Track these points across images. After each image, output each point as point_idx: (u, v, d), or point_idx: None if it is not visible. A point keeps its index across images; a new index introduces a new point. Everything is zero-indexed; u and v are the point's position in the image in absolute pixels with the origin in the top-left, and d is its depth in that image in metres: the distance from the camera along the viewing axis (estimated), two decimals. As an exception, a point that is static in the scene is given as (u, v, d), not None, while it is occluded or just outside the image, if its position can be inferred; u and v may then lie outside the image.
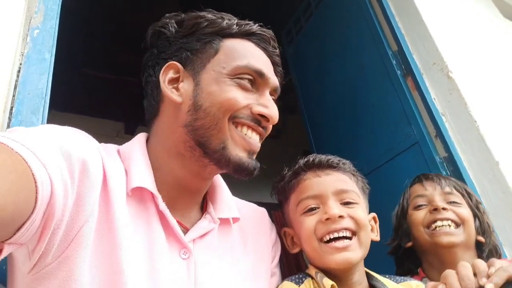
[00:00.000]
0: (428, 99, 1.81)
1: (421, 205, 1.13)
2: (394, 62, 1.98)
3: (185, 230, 0.78)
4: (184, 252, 0.74)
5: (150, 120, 0.87)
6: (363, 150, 2.13)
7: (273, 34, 0.89)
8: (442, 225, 1.07)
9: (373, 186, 1.94)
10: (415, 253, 1.16)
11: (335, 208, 0.91)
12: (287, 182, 1.03)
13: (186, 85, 0.81)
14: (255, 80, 0.82)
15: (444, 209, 1.07)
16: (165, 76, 0.82)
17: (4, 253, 0.50)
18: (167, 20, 0.86)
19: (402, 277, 0.99)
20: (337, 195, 0.95)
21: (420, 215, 1.12)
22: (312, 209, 0.94)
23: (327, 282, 0.85)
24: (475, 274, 0.76)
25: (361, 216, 0.93)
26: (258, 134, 0.83)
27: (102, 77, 3.88)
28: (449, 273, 0.77)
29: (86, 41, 3.29)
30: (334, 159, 1.02)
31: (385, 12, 2.11)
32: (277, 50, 0.90)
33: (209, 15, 0.84)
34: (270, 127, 0.86)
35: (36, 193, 0.50)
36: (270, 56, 0.88)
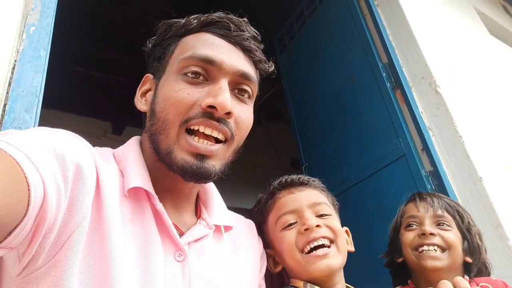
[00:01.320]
0: (416, 113, 1.84)
1: (412, 225, 1.18)
2: (384, 74, 2.01)
3: (180, 234, 0.78)
4: (179, 254, 0.74)
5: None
6: (351, 160, 2.15)
7: (238, 20, 0.80)
8: (428, 250, 1.11)
9: (359, 196, 1.96)
10: (407, 267, 1.21)
11: (312, 218, 0.97)
12: (263, 204, 1.09)
13: (151, 93, 0.82)
14: (207, 69, 0.75)
15: (432, 234, 1.12)
16: (141, 89, 0.85)
17: None
18: (150, 39, 0.88)
19: None
20: (312, 208, 1.01)
21: (409, 237, 1.16)
22: (290, 225, 0.99)
23: None
24: None
25: (336, 225, 1.00)
26: (214, 129, 0.73)
27: (91, 76, 3.84)
28: None
29: (77, 39, 3.26)
30: (304, 177, 1.10)
31: (376, 24, 2.15)
32: (246, 33, 0.80)
33: (176, 19, 0.82)
34: (240, 126, 0.78)
35: (29, 196, 0.49)
36: (236, 42, 0.79)
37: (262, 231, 1.08)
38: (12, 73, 0.98)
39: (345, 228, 1.09)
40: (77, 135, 0.72)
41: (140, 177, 0.74)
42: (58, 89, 3.63)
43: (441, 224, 1.14)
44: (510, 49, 3.02)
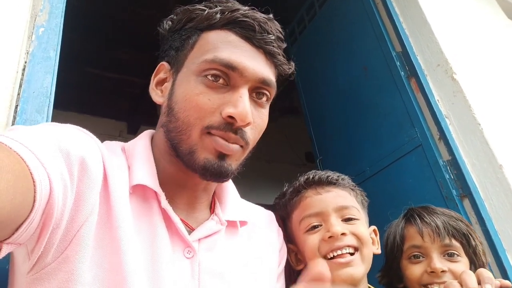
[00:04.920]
0: (432, 101, 1.80)
1: (417, 256, 1.10)
2: (398, 63, 1.97)
3: (190, 230, 0.77)
4: (188, 251, 0.73)
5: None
6: (366, 152, 2.12)
7: (264, 19, 0.77)
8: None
9: (376, 188, 1.94)
10: None
11: (337, 225, 0.94)
12: (288, 200, 1.05)
13: (168, 85, 0.80)
14: (228, 74, 0.73)
15: (443, 271, 1.04)
16: (155, 77, 0.83)
17: (3, 253, 0.49)
18: (167, 18, 0.84)
19: None
20: (338, 212, 0.97)
21: (416, 272, 1.08)
22: (314, 227, 0.97)
23: None
24: (479, 282, 0.77)
25: (363, 232, 0.96)
26: (232, 140, 0.72)
27: (105, 76, 3.88)
28: (453, 284, 0.79)
29: (89, 39, 3.30)
30: (333, 175, 1.04)
31: (389, 12, 2.11)
32: (271, 36, 0.76)
33: (198, 7, 0.78)
34: (254, 131, 0.77)
35: (35, 192, 0.49)
36: (259, 46, 0.76)
37: (285, 225, 1.06)
38: (23, 74, 0.99)
39: (373, 227, 1.06)
40: (84, 130, 0.72)
41: (145, 174, 0.73)
42: (74, 91, 3.69)
43: (450, 254, 1.07)
44: (528, 32, 2.93)
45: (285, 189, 1.09)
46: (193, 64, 0.74)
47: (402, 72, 1.94)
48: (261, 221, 0.96)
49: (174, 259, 0.71)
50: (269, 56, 0.78)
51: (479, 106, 1.75)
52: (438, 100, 1.83)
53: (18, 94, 0.96)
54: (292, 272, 1.03)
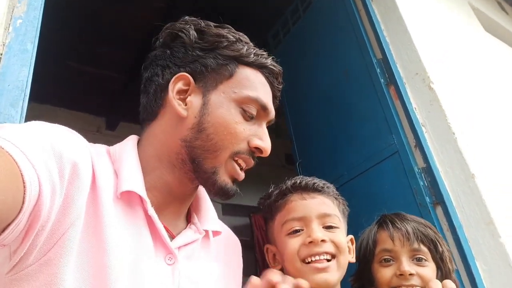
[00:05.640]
0: (409, 109, 1.84)
1: (388, 260, 1.14)
2: (378, 70, 2.00)
3: (171, 237, 0.79)
4: (169, 258, 0.74)
5: (146, 120, 0.85)
6: (345, 156, 2.15)
7: (281, 69, 0.93)
8: None
9: (353, 193, 1.97)
10: None
11: (318, 232, 0.96)
12: (273, 202, 1.08)
13: (194, 100, 0.80)
14: (258, 112, 0.84)
15: (411, 274, 1.08)
16: (175, 85, 0.81)
17: None
18: (187, 26, 0.84)
19: None
20: (321, 219, 1.00)
21: (386, 275, 1.12)
22: (296, 231, 0.99)
23: None
24: None
25: (341, 240, 0.99)
26: (249, 165, 0.85)
27: (85, 71, 3.80)
28: None
29: (70, 33, 3.23)
30: (319, 182, 1.07)
31: (371, 20, 2.14)
32: (281, 86, 0.93)
33: (230, 35, 0.85)
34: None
35: (24, 193, 0.49)
36: (273, 90, 0.90)
37: (267, 226, 1.10)
38: (-2, 66, 0.96)
39: (350, 236, 1.09)
40: (74, 132, 0.72)
41: (134, 181, 0.73)
42: (52, 84, 3.61)
43: (418, 259, 1.11)
44: (504, 45, 3.03)
45: (270, 190, 1.11)
46: (234, 93, 0.82)
47: (382, 80, 1.98)
48: (228, 246, 0.98)
49: (156, 265, 0.72)
50: (274, 98, 0.92)
51: (454, 115, 1.79)
52: (415, 108, 1.87)
53: (-8, 86, 0.93)
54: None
